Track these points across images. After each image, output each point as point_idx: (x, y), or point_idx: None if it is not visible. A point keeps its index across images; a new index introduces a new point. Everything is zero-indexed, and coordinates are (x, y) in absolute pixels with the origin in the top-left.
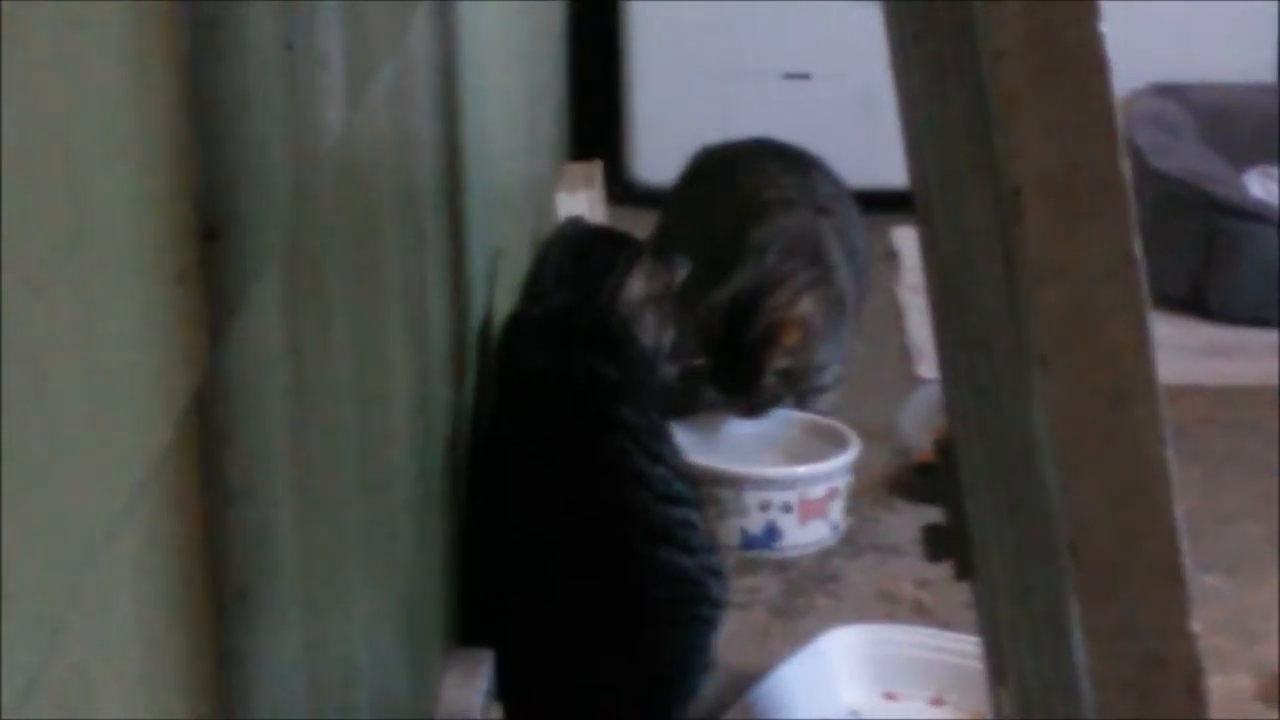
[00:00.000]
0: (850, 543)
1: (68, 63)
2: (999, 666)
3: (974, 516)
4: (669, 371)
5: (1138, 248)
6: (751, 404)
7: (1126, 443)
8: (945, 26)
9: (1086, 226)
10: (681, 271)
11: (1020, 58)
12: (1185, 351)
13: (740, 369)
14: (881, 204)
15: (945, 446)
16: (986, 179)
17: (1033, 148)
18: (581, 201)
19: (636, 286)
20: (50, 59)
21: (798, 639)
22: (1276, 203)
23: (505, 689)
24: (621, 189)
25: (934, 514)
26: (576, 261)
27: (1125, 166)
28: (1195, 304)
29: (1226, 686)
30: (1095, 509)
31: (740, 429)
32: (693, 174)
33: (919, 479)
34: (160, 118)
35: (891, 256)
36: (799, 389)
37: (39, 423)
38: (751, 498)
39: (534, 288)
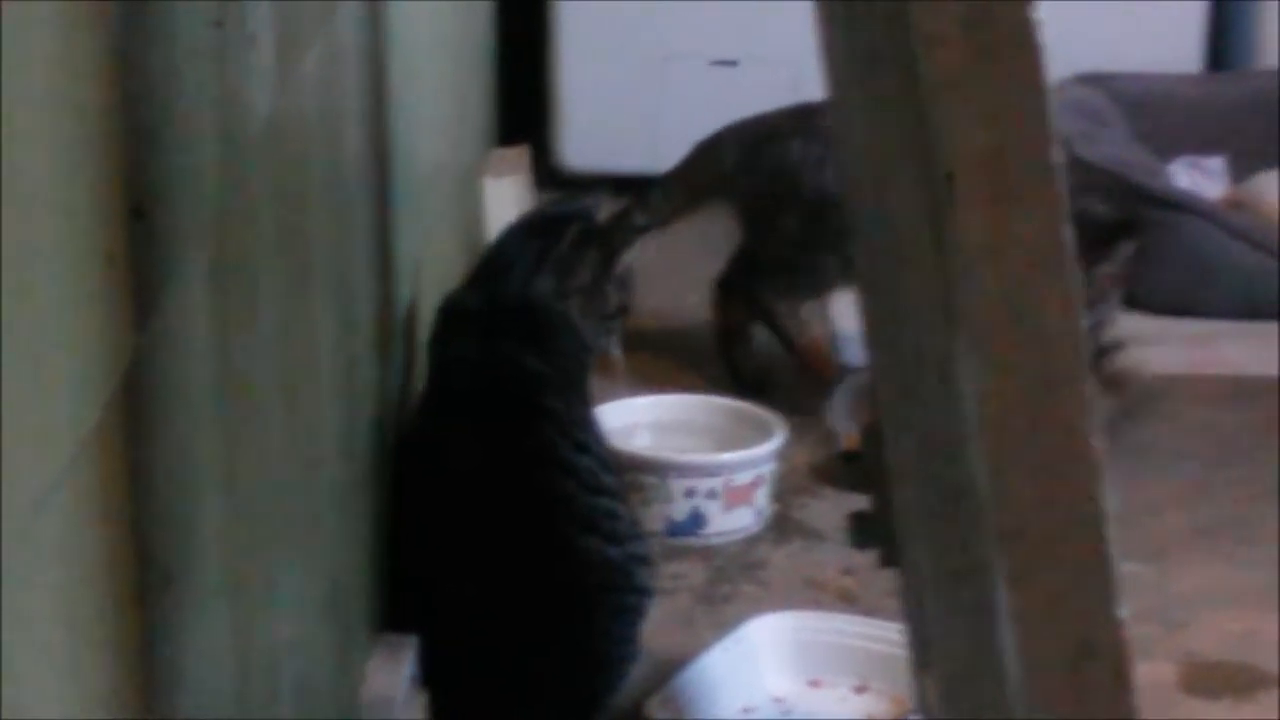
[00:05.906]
0: (776, 530)
1: None
2: (923, 654)
3: (900, 504)
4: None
5: (1069, 233)
6: None
7: (1057, 429)
8: (877, 11)
9: (1018, 211)
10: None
11: (955, 42)
12: None
13: None
14: None
15: (872, 434)
16: (917, 164)
17: (965, 132)
18: (508, 187)
19: (544, 285)
20: None
21: (723, 626)
22: (1201, 193)
23: (431, 675)
24: (548, 174)
25: (860, 501)
26: (514, 247)
27: (1057, 152)
28: None
29: (1151, 675)
30: (1024, 495)
31: (665, 414)
32: None
33: (845, 466)
34: (88, 96)
35: None
36: None
37: None
38: (677, 484)
39: (474, 275)
